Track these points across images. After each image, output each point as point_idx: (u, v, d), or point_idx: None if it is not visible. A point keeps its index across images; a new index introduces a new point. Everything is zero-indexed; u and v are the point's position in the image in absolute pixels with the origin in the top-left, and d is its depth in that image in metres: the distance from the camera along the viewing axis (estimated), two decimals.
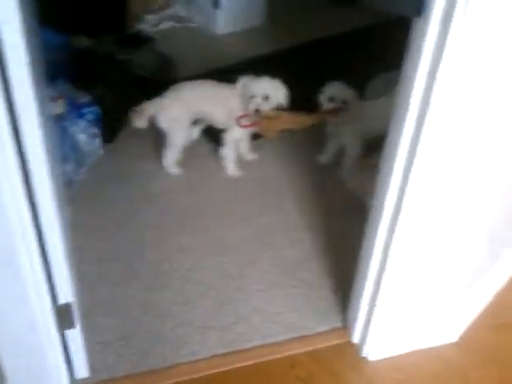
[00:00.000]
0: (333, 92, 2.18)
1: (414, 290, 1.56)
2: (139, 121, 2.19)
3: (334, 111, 2.17)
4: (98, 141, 2.34)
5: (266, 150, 2.46)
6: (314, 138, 2.44)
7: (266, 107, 2.12)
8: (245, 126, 2.17)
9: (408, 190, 1.31)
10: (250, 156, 2.38)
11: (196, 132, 2.45)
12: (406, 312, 1.61)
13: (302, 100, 2.18)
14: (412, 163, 1.27)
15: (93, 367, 1.56)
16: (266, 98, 2.12)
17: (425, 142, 1.23)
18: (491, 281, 1.88)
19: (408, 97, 1.22)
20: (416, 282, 1.54)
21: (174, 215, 2.13)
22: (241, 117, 2.16)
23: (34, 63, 1.06)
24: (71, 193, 2.11)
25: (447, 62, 1.11)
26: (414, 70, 1.18)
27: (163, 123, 2.20)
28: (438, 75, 1.13)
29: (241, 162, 2.36)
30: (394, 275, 1.48)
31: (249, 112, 2.13)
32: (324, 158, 2.38)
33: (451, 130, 1.23)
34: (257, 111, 2.11)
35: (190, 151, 2.36)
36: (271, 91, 2.13)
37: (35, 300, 1.27)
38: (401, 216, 1.36)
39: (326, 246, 2.02)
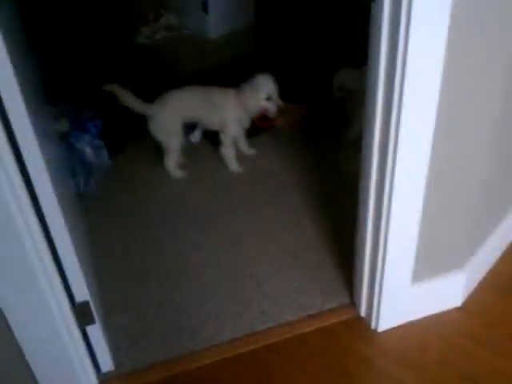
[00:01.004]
0: (341, 81, 2.27)
1: (412, 258, 1.63)
2: None
3: (343, 101, 2.27)
4: (104, 152, 2.44)
5: (264, 145, 2.56)
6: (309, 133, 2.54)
7: (282, 104, 2.24)
8: (265, 125, 2.28)
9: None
10: (250, 151, 2.48)
11: (197, 134, 2.54)
12: (408, 281, 1.68)
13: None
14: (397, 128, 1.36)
15: (117, 361, 1.66)
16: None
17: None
18: (494, 245, 1.94)
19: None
20: (412, 249, 1.61)
21: (183, 215, 2.23)
22: (259, 117, 2.28)
23: (27, 83, 1.16)
24: (85, 203, 2.22)
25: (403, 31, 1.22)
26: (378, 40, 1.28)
27: (154, 131, 2.30)
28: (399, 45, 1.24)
29: (242, 157, 2.45)
30: (390, 245, 1.56)
31: (269, 113, 2.25)
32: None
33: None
34: (279, 110, 2.24)
35: (193, 153, 2.46)
36: (275, 87, 2.24)
37: (53, 301, 1.36)
38: (387, 183, 1.45)
39: (330, 230, 2.11)
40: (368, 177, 1.52)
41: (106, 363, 1.63)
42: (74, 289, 1.43)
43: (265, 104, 2.24)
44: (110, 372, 1.64)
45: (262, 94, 2.22)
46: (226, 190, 2.36)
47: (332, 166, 2.39)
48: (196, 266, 2.00)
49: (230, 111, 2.26)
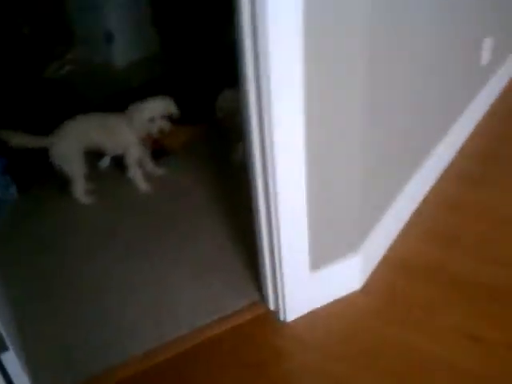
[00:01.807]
0: (221, 102, 2.42)
1: (306, 247, 1.76)
2: None
3: (223, 120, 2.42)
4: (13, 188, 2.49)
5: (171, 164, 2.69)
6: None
7: (165, 125, 2.34)
8: (152, 147, 2.39)
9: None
10: (158, 171, 2.58)
11: (106, 160, 2.62)
12: (306, 270, 1.80)
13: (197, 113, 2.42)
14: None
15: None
16: (162, 116, 2.34)
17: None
18: (387, 227, 2.10)
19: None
20: (305, 238, 1.74)
21: (93, 236, 2.32)
22: (145, 139, 2.38)
23: None
24: None
25: None
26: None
27: (54, 161, 2.38)
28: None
29: (151, 178, 2.55)
30: (283, 238, 1.69)
31: (152, 134, 2.34)
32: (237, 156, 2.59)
33: None
34: (160, 131, 2.33)
35: (103, 178, 2.54)
36: (164, 109, 2.34)
37: None
38: (271, 180, 1.58)
39: (237, 235, 2.23)
40: (254, 178, 1.66)
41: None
42: None
43: (148, 125, 2.35)
44: None
45: (145, 115, 2.33)
46: (137, 209, 2.45)
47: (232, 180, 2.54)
48: (110, 281, 2.08)
49: (127, 134, 2.36)
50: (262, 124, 1.52)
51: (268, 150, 1.55)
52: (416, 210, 2.32)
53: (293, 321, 1.88)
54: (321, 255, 1.82)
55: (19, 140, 2.27)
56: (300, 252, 1.77)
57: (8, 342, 1.56)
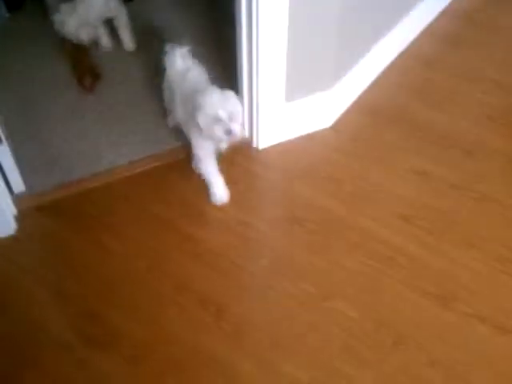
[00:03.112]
0: None
1: (283, 77, 1.88)
2: None
3: None
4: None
5: None
6: None
7: None
8: None
9: None
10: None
11: None
12: (282, 99, 1.94)
13: None
14: None
15: (27, 183, 1.86)
16: None
17: None
18: (363, 72, 2.21)
19: None
20: (282, 69, 1.85)
21: None
22: None
23: None
24: None
25: None
26: None
27: None
28: None
29: None
30: (261, 65, 1.81)
31: None
32: None
33: None
34: None
35: None
36: None
37: None
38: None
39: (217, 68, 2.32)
40: (239, 11, 1.73)
41: (19, 184, 1.83)
42: None
43: None
44: (22, 193, 1.85)
45: None
46: None
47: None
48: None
49: None
50: None
51: None
52: (391, 63, 2.41)
53: (265, 149, 2.04)
54: (296, 88, 1.94)
55: None
56: (277, 83, 1.88)
57: (3, 137, 1.70)
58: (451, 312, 1.55)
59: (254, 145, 2.03)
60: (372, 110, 2.21)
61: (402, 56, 2.47)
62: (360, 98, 2.25)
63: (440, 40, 2.59)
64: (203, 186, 1.84)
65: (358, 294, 1.59)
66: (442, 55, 2.50)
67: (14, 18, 2.58)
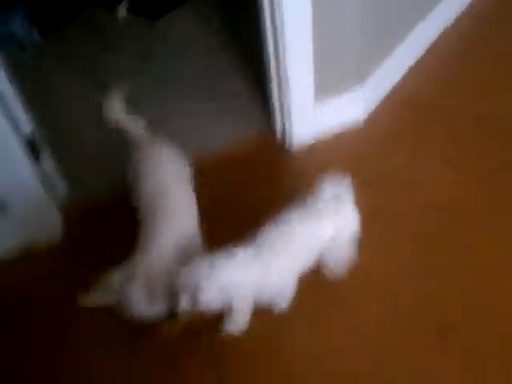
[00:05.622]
0: None
1: (311, 78, 1.89)
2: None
3: None
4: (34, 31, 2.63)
5: None
6: None
7: None
8: None
9: None
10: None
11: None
12: (311, 100, 1.96)
13: None
14: None
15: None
16: None
17: None
18: (397, 62, 2.19)
19: None
20: (310, 69, 1.87)
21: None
22: None
23: None
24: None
25: None
26: None
27: None
28: None
29: None
30: (289, 67, 1.83)
31: None
32: None
33: None
34: None
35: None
36: None
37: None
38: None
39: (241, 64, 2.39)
40: (262, 10, 1.76)
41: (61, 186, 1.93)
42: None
43: None
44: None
45: None
46: None
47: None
48: None
49: None
50: None
51: None
52: (424, 55, 2.35)
53: (298, 149, 2.06)
54: (325, 87, 1.96)
55: None
56: (306, 84, 1.91)
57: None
58: None
59: (287, 146, 2.06)
60: (410, 101, 2.18)
61: (436, 46, 2.40)
62: (392, 90, 2.22)
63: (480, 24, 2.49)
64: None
65: None
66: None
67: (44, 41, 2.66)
